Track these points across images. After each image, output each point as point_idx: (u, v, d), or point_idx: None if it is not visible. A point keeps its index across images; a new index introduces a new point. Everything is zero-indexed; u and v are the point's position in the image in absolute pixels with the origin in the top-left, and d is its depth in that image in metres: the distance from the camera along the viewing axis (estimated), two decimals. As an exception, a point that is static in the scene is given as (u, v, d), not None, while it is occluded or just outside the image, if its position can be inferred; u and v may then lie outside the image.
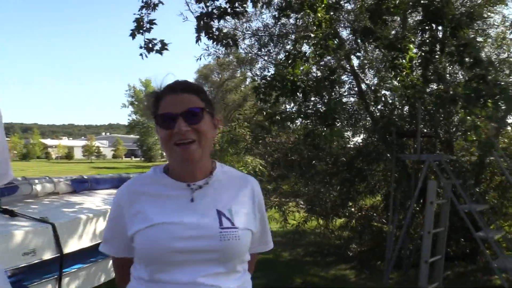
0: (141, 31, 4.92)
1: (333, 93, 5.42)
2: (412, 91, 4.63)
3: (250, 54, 8.15)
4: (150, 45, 4.96)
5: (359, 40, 6.61)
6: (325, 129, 5.13)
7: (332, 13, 5.34)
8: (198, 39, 5.05)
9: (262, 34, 7.77)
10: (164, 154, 1.29)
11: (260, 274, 5.92)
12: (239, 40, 5.89)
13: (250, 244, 1.29)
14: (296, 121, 5.83)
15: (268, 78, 4.98)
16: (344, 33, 7.71)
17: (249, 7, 6.23)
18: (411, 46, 4.86)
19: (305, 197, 7.45)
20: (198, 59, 7.88)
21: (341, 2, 6.18)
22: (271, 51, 8.00)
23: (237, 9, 4.94)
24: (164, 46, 5.00)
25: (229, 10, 4.88)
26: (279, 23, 7.24)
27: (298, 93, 4.82)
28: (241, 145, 8.40)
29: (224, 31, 5.20)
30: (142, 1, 4.86)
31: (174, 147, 1.20)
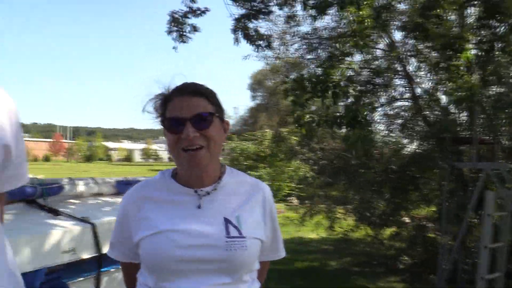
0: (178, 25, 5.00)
1: (378, 98, 5.15)
2: (467, 93, 4.31)
3: (299, 58, 8.04)
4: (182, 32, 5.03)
5: (411, 41, 6.29)
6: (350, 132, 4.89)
7: (384, 14, 5.14)
8: (236, 40, 5.06)
9: (310, 38, 7.64)
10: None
11: (305, 283, 5.79)
12: (273, 41, 5.78)
13: (260, 253, 1.23)
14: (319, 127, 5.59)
15: (299, 79, 4.85)
16: (398, 35, 7.41)
17: (298, 11, 6.16)
18: (468, 46, 4.55)
19: (354, 204, 7.22)
20: (244, 58, 7.89)
21: (393, 3, 5.92)
22: (321, 54, 7.84)
23: (267, 10, 4.89)
24: (195, 29, 5.04)
25: (263, 10, 4.86)
26: (328, 26, 7.09)
27: (326, 94, 4.63)
28: (286, 148, 8.34)
29: (260, 32, 5.16)
30: (187, 7, 4.94)
31: (182, 153, 1.15)
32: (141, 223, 1.20)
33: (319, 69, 5.10)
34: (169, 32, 4.99)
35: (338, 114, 4.96)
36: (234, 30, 4.98)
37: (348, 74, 4.91)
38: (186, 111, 1.15)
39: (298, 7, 6.28)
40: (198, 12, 5.04)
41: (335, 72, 4.55)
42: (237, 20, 4.94)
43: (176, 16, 4.99)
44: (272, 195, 1.34)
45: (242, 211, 1.21)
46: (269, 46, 5.37)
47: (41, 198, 3.04)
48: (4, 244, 1.17)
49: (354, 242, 7.77)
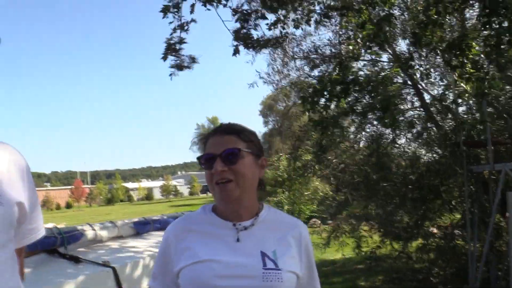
0: (173, 53, 5.05)
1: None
2: (478, 84, 4.26)
3: (301, 77, 8.14)
4: (179, 63, 5.08)
5: (411, 48, 6.30)
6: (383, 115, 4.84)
7: (385, 25, 5.19)
8: (236, 51, 5.11)
9: (313, 56, 7.73)
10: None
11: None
12: (284, 42, 5.80)
13: None
14: (344, 121, 5.58)
15: (316, 85, 4.91)
16: (403, 45, 7.44)
17: (300, 30, 6.23)
18: (474, 43, 4.54)
19: (376, 220, 7.10)
20: (250, 86, 8.01)
21: (395, 13, 5.95)
22: (323, 71, 7.90)
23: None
24: (193, 60, 5.09)
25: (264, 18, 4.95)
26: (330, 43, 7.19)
27: (348, 92, 4.69)
28: (305, 171, 8.29)
29: (265, 37, 5.20)
30: (174, 24, 5.01)
31: (215, 186, 1.23)
32: (183, 254, 1.25)
33: (334, 72, 5.15)
34: (165, 58, 5.05)
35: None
36: (236, 38, 5.03)
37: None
38: (217, 148, 1.24)
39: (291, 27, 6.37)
40: (186, 26, 5.06)
41: (350, 71, 4.64)
42: (236, 32, 5.03)
43: (172, 42, 5.08)
44: (308, 233, 1.38)
45: (279, 246, 1.25)
46: (279, 42, 5.35)
47: (62, 247, 3.09)
48: None
49: (381, 259, 7.60)
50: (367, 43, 4.74)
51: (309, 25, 5.71)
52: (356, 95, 5.14)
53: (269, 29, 5.49)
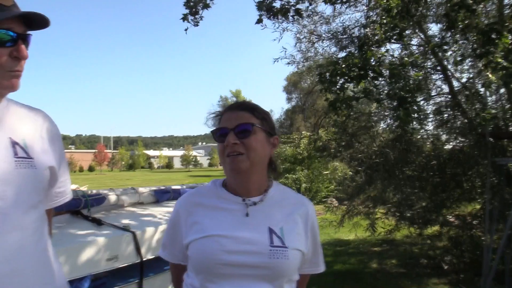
0: (193, 16, 5.07)
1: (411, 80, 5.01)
2: (503, 74, 4.13)
3: (330, 58, 7.98)
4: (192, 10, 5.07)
5: (443, 33, 6.12)
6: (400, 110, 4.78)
7: (414, 6, 5.04)
8: (259, 21, 5.09)
9: (341, 36, 7.57)
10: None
11: (345, 286, 5.74)
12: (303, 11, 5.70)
13: (300, 265, 1.30)
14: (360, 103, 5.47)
15: (335, 65, 4.85)
16: (435, 28, 7.22)
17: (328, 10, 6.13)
18: (505, 33, 4.37)
19: (394, 203, 7.06)
20: (275, 61, 7.91)
21: None
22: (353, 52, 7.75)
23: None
24: (206, 6, 5.08)
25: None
26: (358, 24, 7.01)
27: (366, 77, 4.63)
28: (326, 152, 8.26)
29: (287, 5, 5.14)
30: None
31: (226, 159, 1.28)
32: (192, 227, 1.31)
33: (355, 54, 5.08)
34: (184, 19, 5.09)
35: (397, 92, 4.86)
36: (259, 8, 5.01)
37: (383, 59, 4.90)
38: (231, 123, 1.29)
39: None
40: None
41: (371, 56, 4.55)
42: (260, 2, 5.00)
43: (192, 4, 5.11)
44: (315, 211, 1.42)
45: (286, 223, 1.29)
46: (300, 14, 5.29)
47: (85, 209, 3.21)
48: (51, 255, 1.27)
49: (396, 243, 7.61)
50: (388, 32, 4.65)
51: (334, 3, 5.64)
52: (375, 82, 5.01)
53: (297, 2, 5.43)
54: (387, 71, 4.83)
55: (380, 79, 5.02)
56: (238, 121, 1.27)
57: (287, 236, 1.26)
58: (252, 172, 1.28)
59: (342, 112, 5.42)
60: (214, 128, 1.34)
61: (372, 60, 4.81)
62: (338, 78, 4.78)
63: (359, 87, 4.88)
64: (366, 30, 5.26)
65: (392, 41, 5.27)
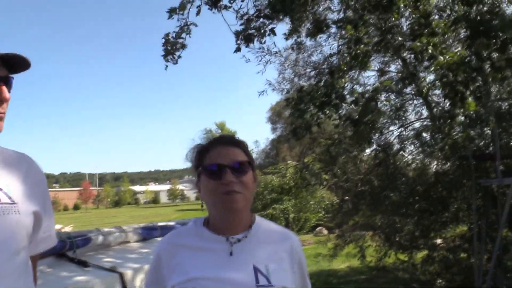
0: (174, 54, 5.19)
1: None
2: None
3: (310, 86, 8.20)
4: (171, 50, 5.21)
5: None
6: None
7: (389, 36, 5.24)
8: (237, 49, 5.23)
9: (322, 67, 7.77)
10: (205, 205, 1.32)
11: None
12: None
13: None
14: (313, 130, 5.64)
15: (300, 92, 5.03)
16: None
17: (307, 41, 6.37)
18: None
19: (380, 229, 7.07)
20: (260, 93, 8.03)
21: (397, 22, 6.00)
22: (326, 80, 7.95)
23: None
24: (183, 46, 5.22)
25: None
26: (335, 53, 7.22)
27: (329, 105, 4.81)
28: (314, 179, 8.29)
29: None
30: (177, 27, 5.17)
31: (221, 197, 1.21)
32: (175, 269, 1.25)
33: (321, 83, 5.26)
34: (165, 56, 5.23)
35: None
36: (237, 38, 5.16)
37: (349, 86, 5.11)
38: (225, 159, 1.23)
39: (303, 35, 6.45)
40: (187, 29, 5.23)
41: (338, 84, 4.73)
42: (237, 34, 5.15)
43: (168, 37, 5.25)
44: (300, 244, 1.38)
45: (271, 261, 1.25)
46: (273, 33, 5.42)
47: (70, 251, 3.14)
48: None
49: (387, 270, 7.56)
50: (352, 61, 4.87)
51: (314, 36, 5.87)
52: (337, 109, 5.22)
53: (286, 39, 5.64)
54: (353, 97, 5.03)
55: (343, 104, 5.22)
56: (234, 158, 1.23)
57: (273, 274, 1.22)
58: (245, 210, 1.26)
59: (302, 136, 5.56)
60: (196, 162, 1.30)
61: (335, 90, 5.00)
62: (303, 105, 4.93)
63: (332, 112, 5.05)
64: (333, 58, 5.48)
65: (356, 68, 5.48)
